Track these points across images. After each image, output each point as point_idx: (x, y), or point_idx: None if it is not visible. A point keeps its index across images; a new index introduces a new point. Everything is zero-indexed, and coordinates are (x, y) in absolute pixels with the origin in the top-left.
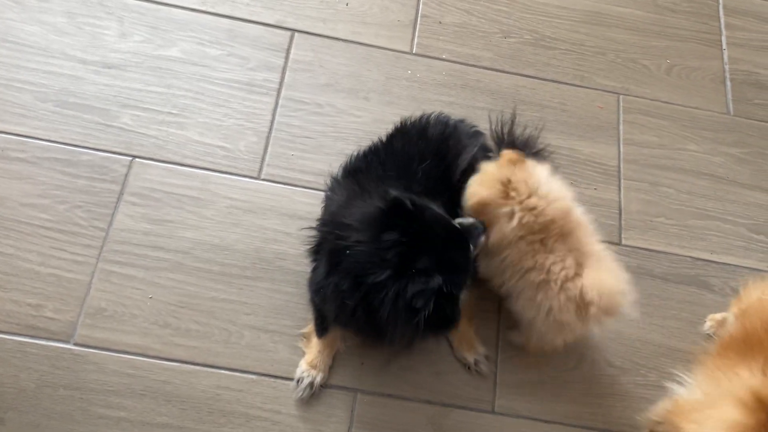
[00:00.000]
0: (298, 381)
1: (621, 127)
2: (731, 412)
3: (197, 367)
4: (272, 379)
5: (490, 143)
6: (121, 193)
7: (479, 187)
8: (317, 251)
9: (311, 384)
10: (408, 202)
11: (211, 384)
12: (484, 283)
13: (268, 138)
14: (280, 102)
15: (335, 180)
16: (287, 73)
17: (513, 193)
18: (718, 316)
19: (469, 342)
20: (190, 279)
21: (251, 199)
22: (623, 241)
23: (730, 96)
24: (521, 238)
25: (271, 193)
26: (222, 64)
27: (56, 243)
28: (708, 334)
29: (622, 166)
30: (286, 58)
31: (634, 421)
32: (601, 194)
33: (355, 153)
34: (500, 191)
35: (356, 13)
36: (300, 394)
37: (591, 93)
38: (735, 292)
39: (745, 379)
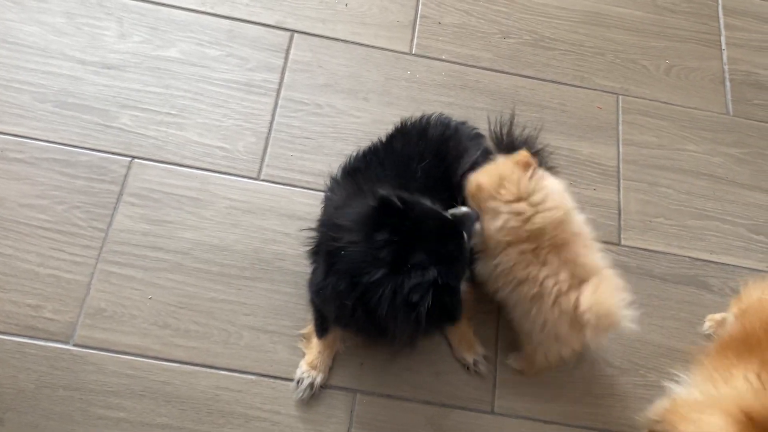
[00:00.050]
0: (298, 382)
1: (620, 127)
2: (721, 425)
3: (196, 368)
4: (271, 380)
5: (490, 144)
6: (120, 194)
7: (481, 174)
8: (316, 252)
9: (311, 385)
10: (395, 200)
11: (211, 384)
12: (483, 285)
13: (267, 138)
14: (280, 102)
15: (334, 180)
16: (286, 74)
17: (503, 191)
18: (718, 316)
19: (468, 342)
20: (190, 279)
21: (250, 200)
22: (622, 242)
23: (729, 96)
24: (510, 244)
25: (271, 193)
26: (221, 65)
27: (55, 244)
28: (707, 334)
29: (621, 166)
30: (286, 58)
31: (633, 421)
32: (601, 194)
33: (355, 153)
34: (496, 184)
35: (356, 14)
36: (300, 394)
37: (590, 93)
38: (735, 292)
39: (739, 386)
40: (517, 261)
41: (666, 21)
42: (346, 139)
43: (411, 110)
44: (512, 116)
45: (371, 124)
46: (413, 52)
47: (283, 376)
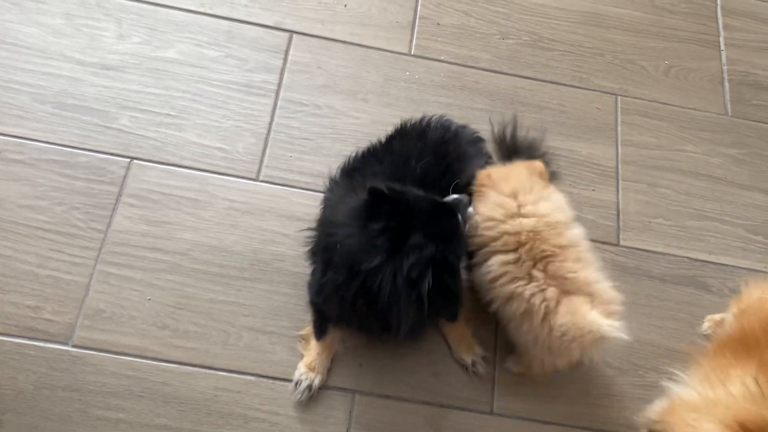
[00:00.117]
0: (296, 384)
1: (619, 128)
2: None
3: (195, 369)
4: (270, 381)
5: (491, 146)
6: (119, 195)
7: (498, 167)
8: (315, 253)
9: (309, 387)
10: (385, 189)
11: (210, 385)
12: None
13: (266, 139)
14: (279, 103)
15: (333, 181)
16: (285, 75)
17: (503, 184)
18: (717, 316)
19: (467, 343)
20: (189, 280)
21: (249, 201)
22: (621, 242)
23: (728, 97)
24: (494, 252)
25: (270, 194)
26: (220, 66)
27: (54, 245)
28: (706, 334)
29: (620, 167)
30: (285, 59)
31: (632, 421)
32: (599, 195)
33: (354, 154)
34: (502, 179)
35: (355, 15)
36: (298, 396)
37: (589, 94)
38: (734, 292)
39: (735, 391)
40: (501, 273)
41: (665, 21)
42: (345, 140)
43: (410, 111)
44: (515, 118)
45: (370, 124)
46: (412, 53)
47: (282, 376)
